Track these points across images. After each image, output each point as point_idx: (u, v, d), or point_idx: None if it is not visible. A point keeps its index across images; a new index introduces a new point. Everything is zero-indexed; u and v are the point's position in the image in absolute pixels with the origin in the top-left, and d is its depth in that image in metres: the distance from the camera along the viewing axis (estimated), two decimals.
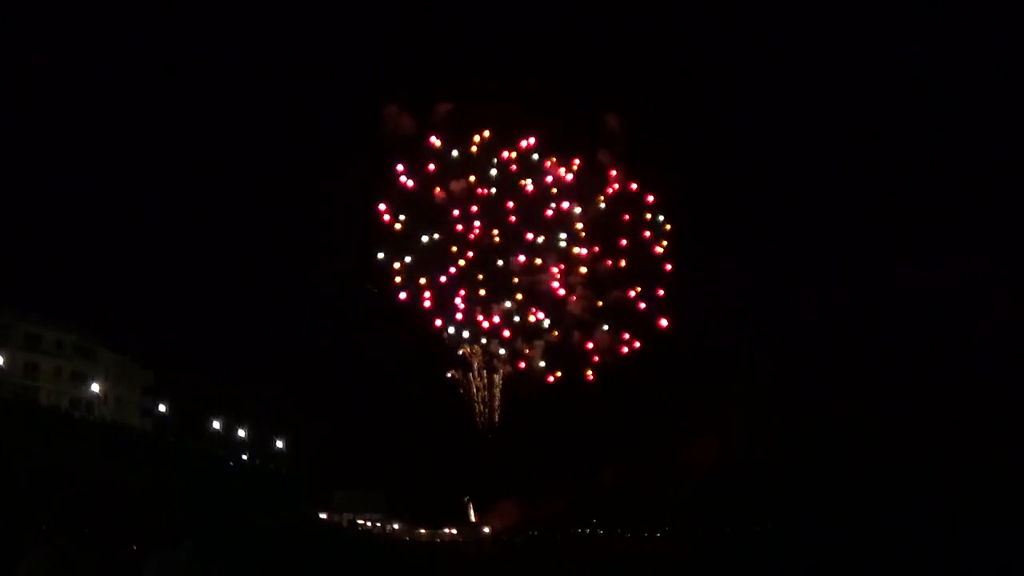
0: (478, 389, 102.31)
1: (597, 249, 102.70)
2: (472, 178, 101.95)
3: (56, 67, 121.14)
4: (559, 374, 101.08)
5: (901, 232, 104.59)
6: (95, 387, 77.04)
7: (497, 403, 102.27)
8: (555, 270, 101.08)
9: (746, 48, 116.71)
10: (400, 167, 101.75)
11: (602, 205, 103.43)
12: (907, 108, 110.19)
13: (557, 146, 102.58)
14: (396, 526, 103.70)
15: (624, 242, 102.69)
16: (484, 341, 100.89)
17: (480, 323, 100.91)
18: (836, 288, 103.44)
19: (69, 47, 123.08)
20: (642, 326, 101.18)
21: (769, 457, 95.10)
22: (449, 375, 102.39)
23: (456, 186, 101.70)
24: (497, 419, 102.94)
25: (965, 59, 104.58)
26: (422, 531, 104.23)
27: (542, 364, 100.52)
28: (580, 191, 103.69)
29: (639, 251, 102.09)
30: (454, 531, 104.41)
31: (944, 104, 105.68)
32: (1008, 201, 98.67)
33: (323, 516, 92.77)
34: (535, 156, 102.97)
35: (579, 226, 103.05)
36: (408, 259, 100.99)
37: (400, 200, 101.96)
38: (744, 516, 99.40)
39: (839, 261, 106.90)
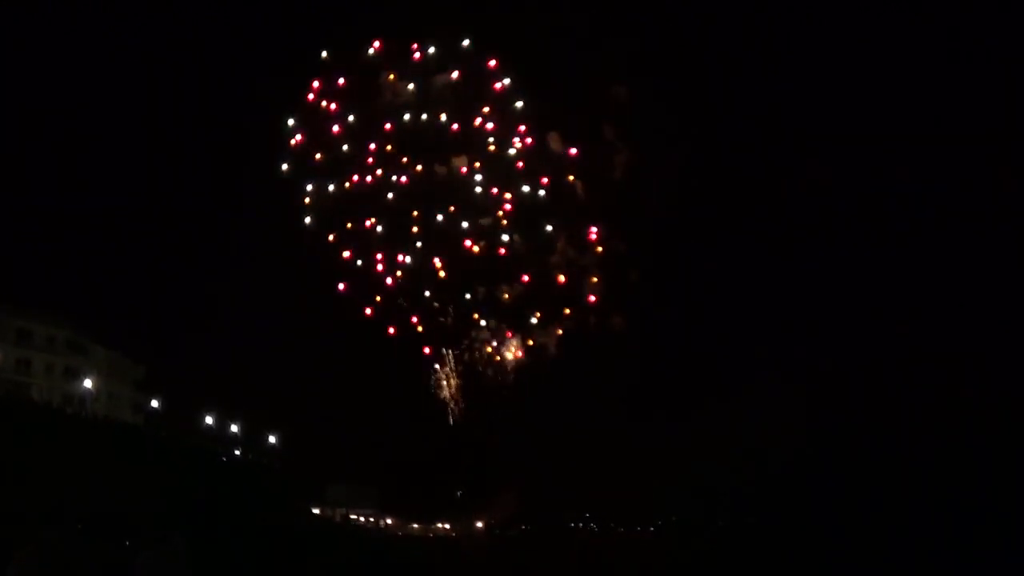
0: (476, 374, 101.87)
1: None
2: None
3: (44, 63, 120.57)
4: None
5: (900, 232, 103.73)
6: (87, 383, 76.76)
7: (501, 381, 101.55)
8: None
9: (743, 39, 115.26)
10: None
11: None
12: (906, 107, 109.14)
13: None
14: (389, 521, 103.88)
15: None
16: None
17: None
18: (835, 285, 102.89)
19: (53, 41, 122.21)
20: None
21: (766, 449, 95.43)
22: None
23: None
24: (493, 412, 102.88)
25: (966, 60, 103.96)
26: (415, 526, 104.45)
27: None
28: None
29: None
30: (447, 526, 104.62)
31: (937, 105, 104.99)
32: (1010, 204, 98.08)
33: (316, 511, 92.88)
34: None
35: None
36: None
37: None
38: (739, 508, 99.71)
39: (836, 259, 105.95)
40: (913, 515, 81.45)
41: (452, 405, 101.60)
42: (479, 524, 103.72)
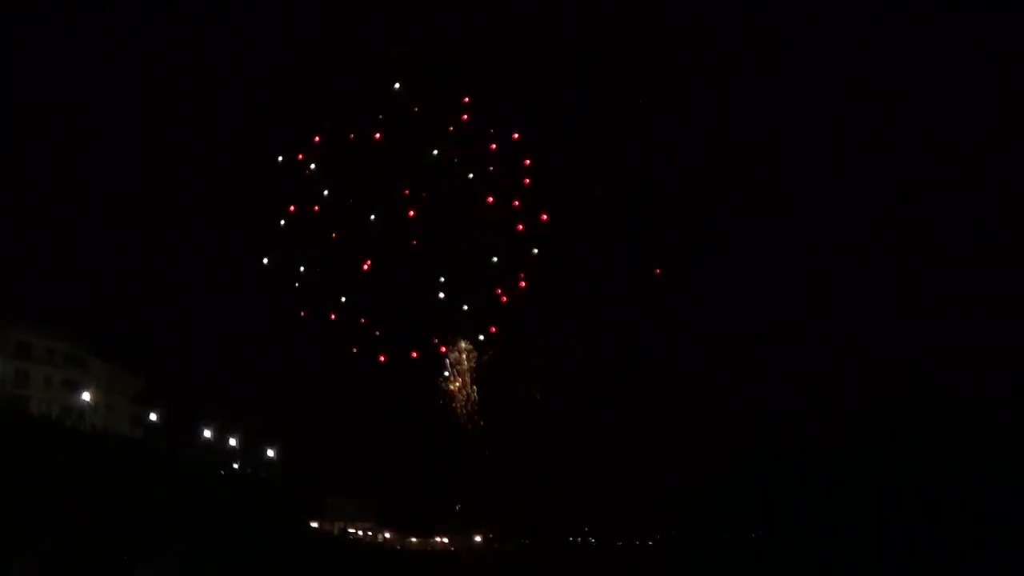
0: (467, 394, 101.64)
1: None
2: None
3: (45, 70, 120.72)
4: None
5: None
6: (86, 395, 76.68)
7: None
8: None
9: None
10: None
11: None
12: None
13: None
14: (388, 534, 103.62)
15: None
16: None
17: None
18: (840, 291, 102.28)
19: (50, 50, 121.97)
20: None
21: (768, 462, 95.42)
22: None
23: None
24: (488, 425, 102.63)
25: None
26: (414, 539, 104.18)
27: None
28: None
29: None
30: (446, 539, 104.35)
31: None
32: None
33: (314, 524, 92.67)
34: None
35: None
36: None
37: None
38: (740, 522, 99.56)
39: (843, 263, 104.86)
40: (917, 529, 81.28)
41: (461, 412, 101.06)
42: (478, 538, 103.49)
